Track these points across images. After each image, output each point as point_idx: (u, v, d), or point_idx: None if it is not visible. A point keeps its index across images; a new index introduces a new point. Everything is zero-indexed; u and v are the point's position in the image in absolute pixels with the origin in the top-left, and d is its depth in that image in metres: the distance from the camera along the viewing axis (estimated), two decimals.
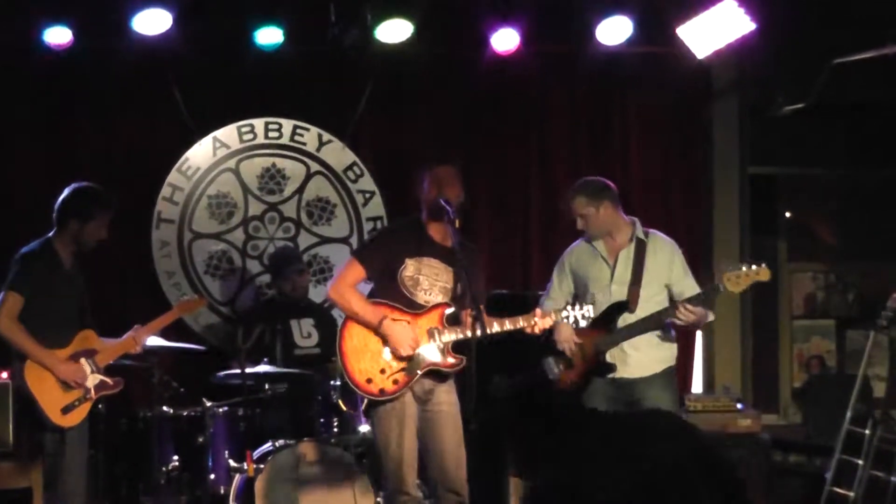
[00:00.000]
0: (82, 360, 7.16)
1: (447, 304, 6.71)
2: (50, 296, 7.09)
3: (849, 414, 8.22)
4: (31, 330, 6.99)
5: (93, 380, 7.18)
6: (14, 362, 7.04)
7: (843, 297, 11.01)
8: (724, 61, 9.75)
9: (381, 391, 6.63)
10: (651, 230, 7.62)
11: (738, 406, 8.99)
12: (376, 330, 6.65)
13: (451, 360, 6.63)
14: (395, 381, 6.64)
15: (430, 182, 6.78)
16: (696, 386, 9.91)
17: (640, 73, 9.85)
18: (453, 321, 6.67)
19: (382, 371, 6.65)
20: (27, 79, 8.99)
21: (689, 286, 7.43)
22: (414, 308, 6.71)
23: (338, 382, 7.86)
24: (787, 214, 10.96)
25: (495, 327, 6.69)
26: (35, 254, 7.15)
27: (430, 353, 6.67)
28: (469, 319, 6.52)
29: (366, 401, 6.75)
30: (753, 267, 7.14)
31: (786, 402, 10.72)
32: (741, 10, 8.82)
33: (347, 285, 6.79)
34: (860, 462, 8.09)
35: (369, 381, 6.65)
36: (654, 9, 9.32)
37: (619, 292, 7.43)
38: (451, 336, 6.64)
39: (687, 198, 10.02)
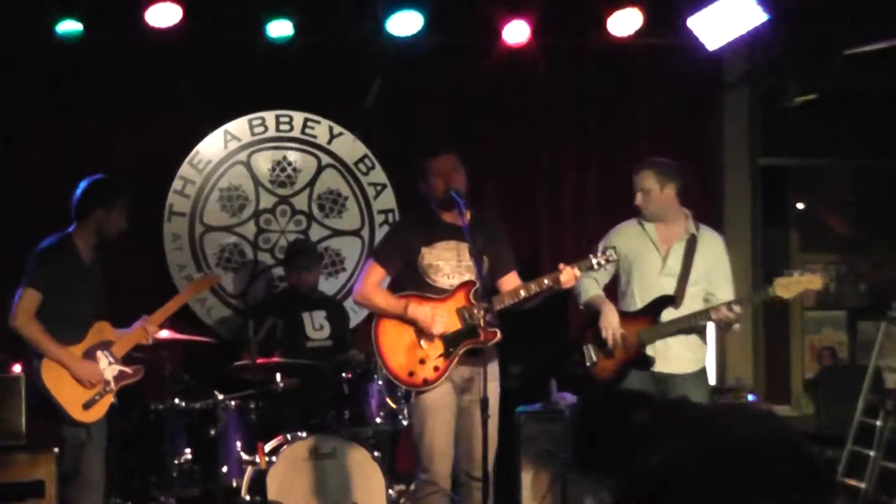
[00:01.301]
0: (98, 353, 7.16)
1: (472, 283, 6.70)
2: (67, 291, 7.09)
3: (860, 405, 8.23)
4: (48, 325, 6.99)
5: (111, 371, 7.17)
6: (31, 359, 7.04)
7: (855, 288, 11.00)
8: (734, 53, 9.74)
9: (425, 381, 6.68)
10: (702, 224, 7.59)
11: (750, 397, 9.00)
12: (403, 318, 6.69)
13: (485, 335, 6.58)
14: (437, 368, 6.67)
15: (434, 174, 6.80)
16: (709, 377, 9.90)
17: (651, 64, 9.85)
18: (482, 297, 6.64)
19: (422, 361, 6.68)
20: (38, 72, 9.00)
21: (725, 289, 7.41)
22: (439, 293, 6.74)
23: (381, 380, 7.84)
24: (799, 206, 10.95)
25: (521, 293, 6.70)
26: (53, 249, 7.15)
27: (463, 332, 6.69)
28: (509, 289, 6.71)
29: (412, 393, 6.80)
30: (805, 274, 7.12)
31: (797, 394, 10.72)
32: (752, 1, 8.79)
33: (370, 286, 6.85)
34: (872, 453, 8.10)
35: (411, 373, 6.69)
36: (665, 0, 9.31)
37: (668, 284, 7.38)
38: (480, 311, 6.61)
39: (698, 189, 10.01)
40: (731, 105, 10.15)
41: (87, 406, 7.05)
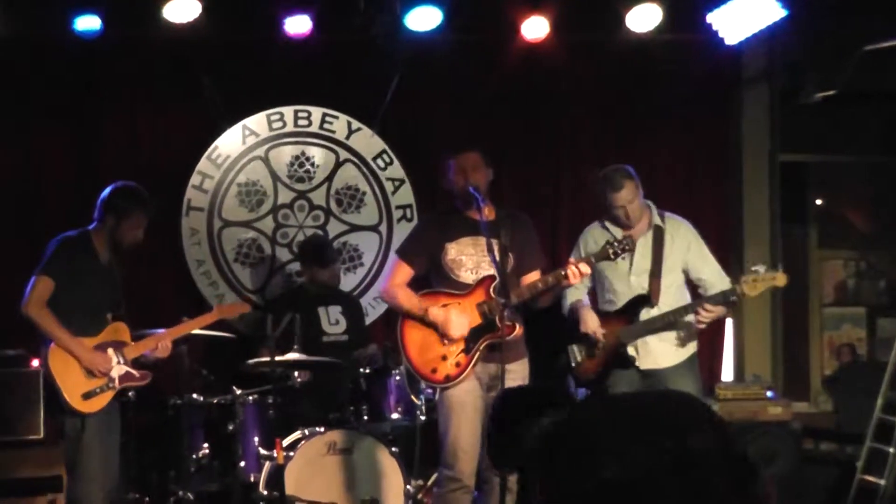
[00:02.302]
0: (109, 351, 7.17)
1: (493, 278, 6.71)
2: (81, 283, 7.10)
3: (879, 402, 8.20)
4: (60, 315, 7.00)
5: (118, 370, 7.17)
6: (41, 346, 7.06)
7: (874, 285, 10.97)
8: (754, 48, 9.73)
9: (447, 377, 6.73)
10: (666, 213, 7.58)
11: (769, 394, 8.97)
12: (424, 322, 6.75)
13: (506, 328, 6.59)
14: (458, 364, 6.72)
15: (455, 171, 6.84)
16: (727, 374, 9.90)
17: (670, 60, 9.82)
18: (500, 291, 6.64)
19: (444, 358, 6.74)
20: (57, 67, 9.03)
21: (708, 271, 7.45)
22: (462, 289, 6.79)
23: (398, 375, 7.87)
24: (818, 202, 10.92)
25: (539, 286, 6.76)
26: (71, 240, 7.18)
27: (483, 327, 6.70)
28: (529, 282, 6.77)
29: (437, 390, 6.85)
30: (770, 271, 7.18)
31: (816, 391, 10.69)
32: None
33: (396, 285, 6.93)
34: (891, 450, 8.06)
35: (434, 370, 6.76)
36: None
37: (639, 283, 7.42)
38: (498, 306, 6.61)
39: (717, 185, 10.00)
40: (750, 101, 10.12)
41: (87, 396, 7.04)
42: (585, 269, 6.75)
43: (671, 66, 9.83)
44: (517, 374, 6.75)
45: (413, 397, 7.76)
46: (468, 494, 6.79)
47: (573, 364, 7.52)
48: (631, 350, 7.39)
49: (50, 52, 8.96)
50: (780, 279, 7.21)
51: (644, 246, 7.40)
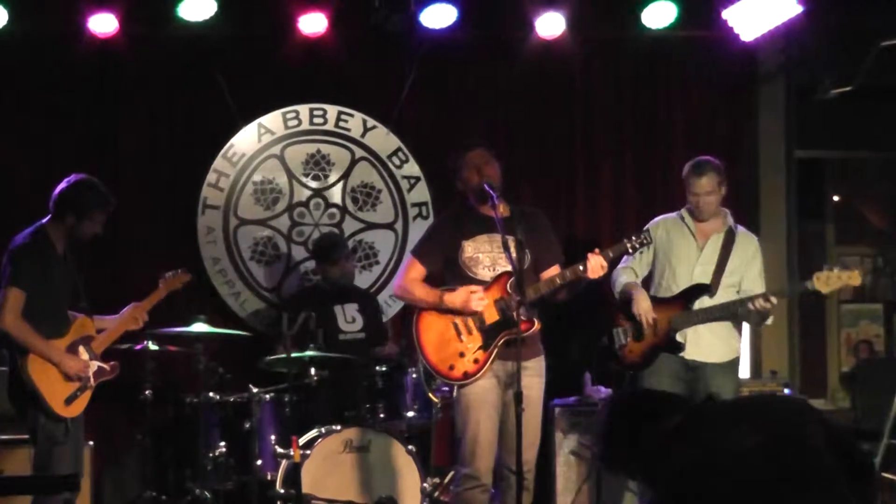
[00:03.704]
0: (80, 349, 7.14)
1: (509, 274, 6.68)
2: (47, 286, 7.02)
3: None
4: (32, 322, 6.93)
5: (91, 367, 7.14)
6: (15, 356, 6.97)
7: (892, 281, 10.94)
8: (770, 44, 9.69)
9: (465, 374, 6.69)
10: (739, 225, 7.70)
11: (786, 391, 8.97)
12: (439, 307, 6.74)
13: (523, 324, 6.55)
14: (476, 361, 6.69)
15: (467, 169, 6.85)
16: (744, 371, 9.84)
17: (686, 57, 9.83)
18: (518, 288, 6.60)
19: (461, 354, 6.71)
20: (72, 67, 9.03)
21: (758, 286, 7.49)
22: (479, 286, 6.75)
23: (414, 373, 7.85)
24: (835, 198, 10.89)
25: (557, 281, 6.75)
26: (28, 246, 7.03)
27: (501, 323, 6.68)
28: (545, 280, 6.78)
29: (455, 388, 6.80)
30: (844, 270, 7.20)
31: (834, 387, 10.67)
32: None
33: (409, 280, 6.93)
34: None
35: (451, 367, 6.72)
36: None
37: (703, 274, 7.48)
38: (514, 302, 6.59)
39: (733, 182, 9.93)
40: (766, 97, 10.09)
41: (69, 401, 7.00)
42: (604, 263, 6.72)
43: (687, 62, 9.82)
44: (534, 370, 6.73)
45: (431, 395, 7.74)
46: (485, 492, 6.76)
47: (617, 346, 7.54)
48: (680, 337, 7.40)
49: (64, 52, 8.96)
50: (856, 278, 7.24)
51: (715, 243, 7.52)
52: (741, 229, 7.68)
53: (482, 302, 6.67)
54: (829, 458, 3.85)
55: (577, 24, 9.32)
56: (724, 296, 7.43)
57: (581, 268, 6.68)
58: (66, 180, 7.21)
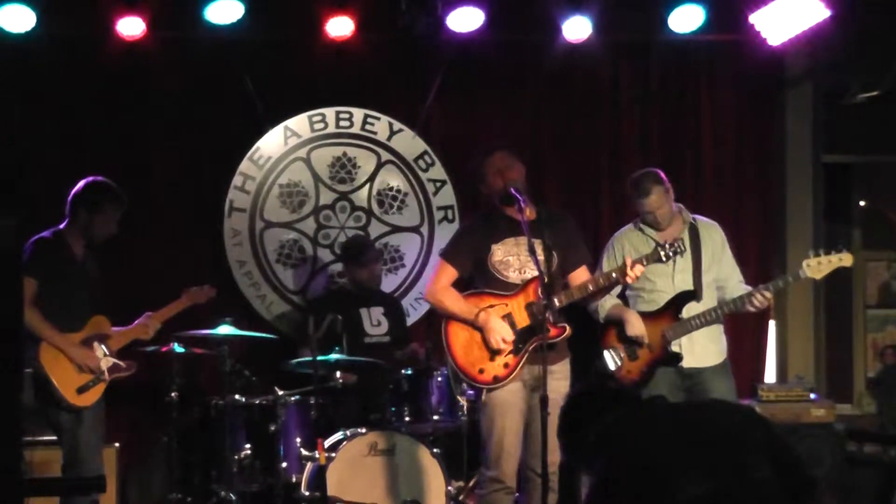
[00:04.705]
0: (95, 344, 7.29)
1: (538, 278, 6.67)
2: (62, 282, 7.18)
3: None
4: (45, 313, 7.07)
5: (106, 363, 7.29)
6: (28, 345, 7.06)
7: None
8: (797, 49, 9.66)
9: (495, 378, 6.69)
10: (695, 215, 7.66)
11: (812, 396, 8.96)
12: (473, 325, 6.72)
13: (553, 330, 6.60)
14: (506, 365, 6.69)
15: (491, 172, 6.84)
16: (770, 376, 9.84)
17: (713, 61, 9.81)
18: (545, 292, 6.59)
19: (492, 358, 6.70)
20: (99, 70, 9.05)
21: (731, 274, 7.52)
22: (509, 289, 6.77)
23: (440, 376, 7.90)
24: (862, 203, 10.86)
25: (590, 287, 6.78)
26: (46, 241, 7.23)
27: (532, 327, 6.68)
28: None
29: (482, 391, 6.79)
30: (834, 253, 7.14)
31: (860, 392, 10.65)
32: None
33: (441, 287, 6.90)
34: None
35: (482, 371, 6.72)
36: None
37: (683, 281, 7.43)
38: (544, 307, 6.57)
39: (760, 186, 9.94)
40: (793, 101, 10.05)
41: (81, 391, 7.16)
42: (641, 270, 6.73)
43: (714, 66, 9.80)
44: (560, 374, 6.73)
45: (459, 397, 7.75)
46: (510, 495, 6.78)
47: (612, 368, 7.47)
48: (675, 347, 7.38)
49: (91, 55, 8.98)
50: (847, 259, 7.20)
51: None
52: (700, 220, 7.63)
53: (501, 345, 6.66)
54: (772, 486, 3.85)
55: (604, 28, 9.30)
56: (708, 295, 7.42)
57: (614, 274, 6.71)
58: (79, 183, 7.41)
